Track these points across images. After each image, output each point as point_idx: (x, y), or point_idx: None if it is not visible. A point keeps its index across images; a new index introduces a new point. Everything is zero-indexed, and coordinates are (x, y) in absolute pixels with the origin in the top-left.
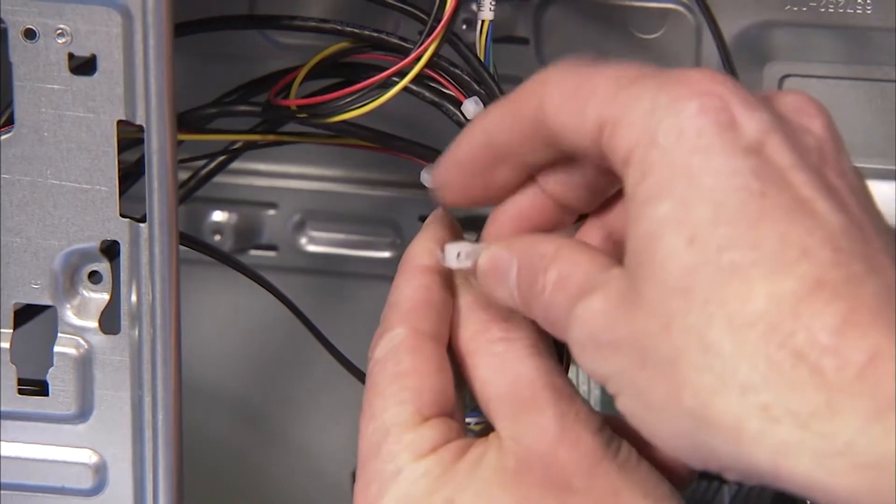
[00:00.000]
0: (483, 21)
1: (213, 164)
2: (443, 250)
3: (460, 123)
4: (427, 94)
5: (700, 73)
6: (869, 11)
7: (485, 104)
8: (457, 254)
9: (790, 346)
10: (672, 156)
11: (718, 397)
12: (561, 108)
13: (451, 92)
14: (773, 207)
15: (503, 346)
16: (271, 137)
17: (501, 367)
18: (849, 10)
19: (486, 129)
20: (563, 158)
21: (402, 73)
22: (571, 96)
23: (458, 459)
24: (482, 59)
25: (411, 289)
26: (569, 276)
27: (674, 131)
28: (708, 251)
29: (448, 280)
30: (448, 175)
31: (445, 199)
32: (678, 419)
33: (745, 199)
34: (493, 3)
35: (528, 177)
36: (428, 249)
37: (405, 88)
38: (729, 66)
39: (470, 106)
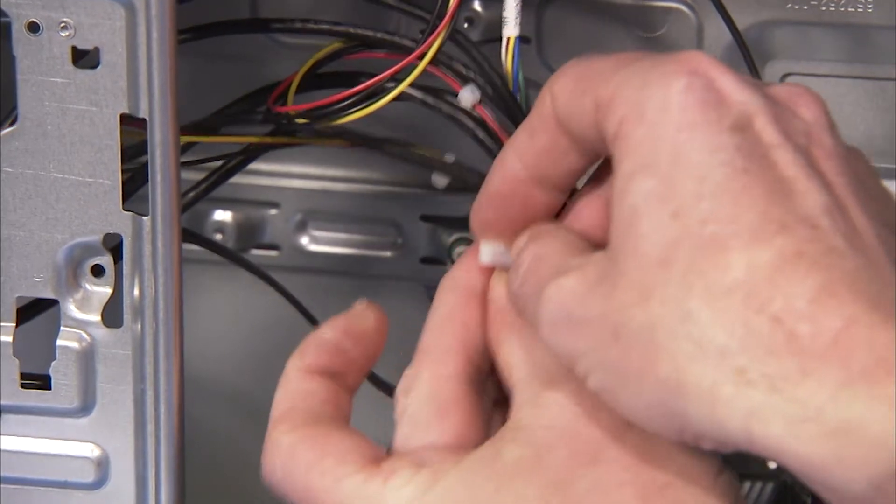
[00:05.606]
0: (508, 38)
1: (229, 165)
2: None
3: (477, 138)
4: (444, 106)
5: (692, 53)
6: (870, 10)
7: (489, 97)
8: (491, 251)
9: (767, 311)
10: (658, 131)
11: (695, 363)
12: (566, 99)
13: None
14: (754, 184)
15: (528, 333)
16: (282, 140)
17: (525, 353)
18: (850, 9)
19: (514, 148)
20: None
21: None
22: (574, 85)
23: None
24: (510, 80)
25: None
26: (544, 256)
27: (660, 106)
28: (690, 225)
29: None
30: (487, 212)
31: (488, 239)
32: (653, 389)
33: (728, 175)
34: (519, 18)
35: (565, 198)
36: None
37: (422, 103)
38: (748, 58)
39: (466, 94)
